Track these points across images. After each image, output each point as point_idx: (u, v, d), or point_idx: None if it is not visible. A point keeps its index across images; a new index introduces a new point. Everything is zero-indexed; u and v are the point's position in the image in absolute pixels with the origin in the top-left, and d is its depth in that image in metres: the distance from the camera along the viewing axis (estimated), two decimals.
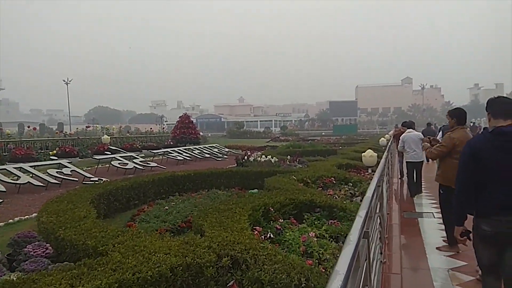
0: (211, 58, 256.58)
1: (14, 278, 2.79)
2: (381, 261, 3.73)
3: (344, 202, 6.90)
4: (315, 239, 4.69)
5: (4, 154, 15.33)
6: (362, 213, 2.10)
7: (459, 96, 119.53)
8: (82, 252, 3.55)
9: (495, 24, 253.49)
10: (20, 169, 9.35)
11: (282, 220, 5.57)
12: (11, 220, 6.54)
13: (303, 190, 6.62)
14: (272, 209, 5.67)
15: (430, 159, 10.60)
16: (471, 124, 12.26)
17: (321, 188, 8.29)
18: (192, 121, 25.13)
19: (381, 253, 3.89)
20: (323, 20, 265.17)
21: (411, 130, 9.21)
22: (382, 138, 21.54)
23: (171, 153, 16.00)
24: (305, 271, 2.93)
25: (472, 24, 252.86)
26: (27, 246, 3.63)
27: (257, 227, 4.96)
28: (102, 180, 10.17)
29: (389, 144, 11.71)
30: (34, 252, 3.54)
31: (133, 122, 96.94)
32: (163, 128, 40.54)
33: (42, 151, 17.24)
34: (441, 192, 5.03)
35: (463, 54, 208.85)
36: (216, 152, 18.87)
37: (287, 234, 5.09)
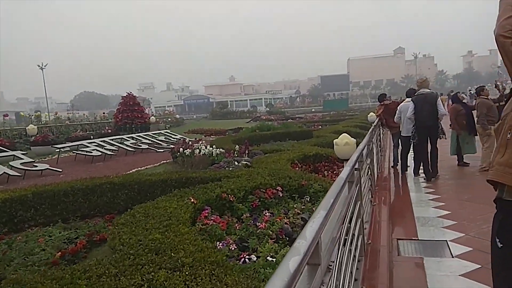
0: (201, 39, 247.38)
1: None
2: None
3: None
4: None
5: None
6: None
7: (452, 65, 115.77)
8: None
9: None
10: None
11: None
12: None
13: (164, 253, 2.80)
14: None
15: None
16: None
17: (251, 212, 4.49)
18: (139, 103, 20.80)
19: None
20: None
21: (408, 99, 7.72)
22: (372, 114, 17.81)
23: (87, 146, 11.60)
24: None
25: None
26: None
27: None
28: None
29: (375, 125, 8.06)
30: None
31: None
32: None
33: None
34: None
35: (456, 21, 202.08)
36: (162, 140, 14.77)
37: None
